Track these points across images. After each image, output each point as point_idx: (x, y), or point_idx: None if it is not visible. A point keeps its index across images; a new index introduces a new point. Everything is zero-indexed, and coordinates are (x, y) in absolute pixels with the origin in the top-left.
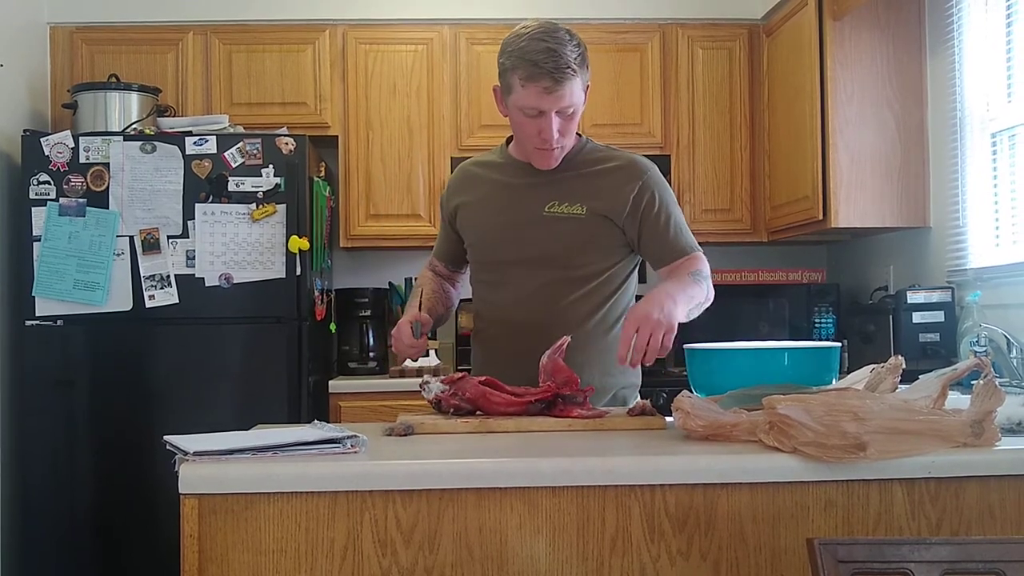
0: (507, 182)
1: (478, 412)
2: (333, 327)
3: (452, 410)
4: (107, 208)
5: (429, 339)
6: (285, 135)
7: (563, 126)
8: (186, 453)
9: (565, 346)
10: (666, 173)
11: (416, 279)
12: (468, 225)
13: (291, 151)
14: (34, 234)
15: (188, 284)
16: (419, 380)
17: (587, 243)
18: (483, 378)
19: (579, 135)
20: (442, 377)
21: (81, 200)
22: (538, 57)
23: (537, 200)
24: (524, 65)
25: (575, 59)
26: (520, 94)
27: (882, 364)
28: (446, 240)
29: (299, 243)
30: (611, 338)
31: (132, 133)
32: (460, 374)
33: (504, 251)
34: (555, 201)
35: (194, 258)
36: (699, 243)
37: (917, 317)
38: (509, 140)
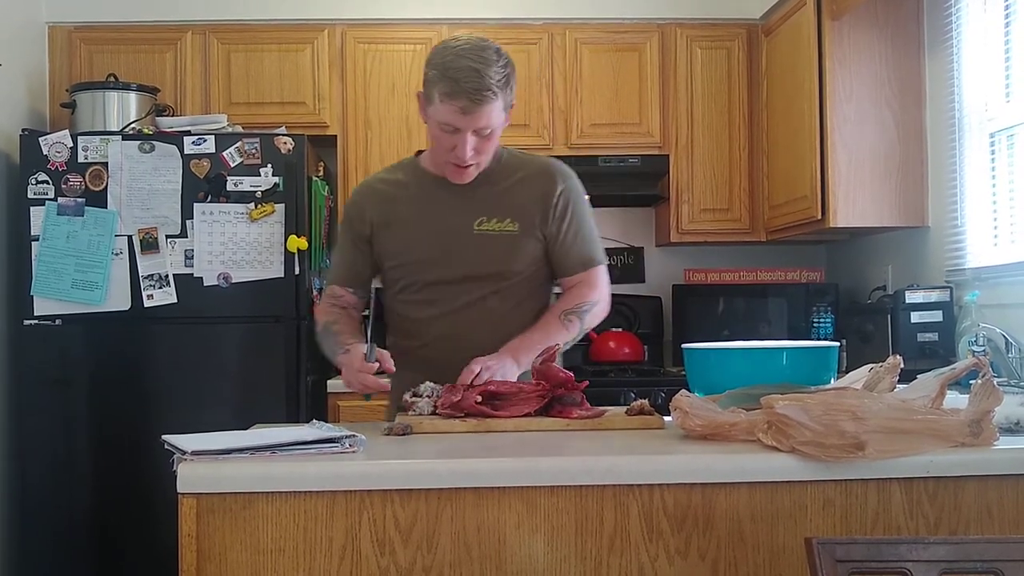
0: (427, 197)
1: None
2: None
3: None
4: (105, 208)
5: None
6: (284, 135)
7: (479, 145)
8: (184, 452)
9: (556, 352)
10: (665, 173)
11: (323, 320)
12: (391, 247)
13: (290, 151)
14: (32, 233)
15: (186, 283)
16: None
17: (519, 258)
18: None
19: None
20: (430, 392)
21: (79, 199)
22: (460, 75)
23: (465, 216)
24: (445, 81)
25: (498, 81)
26: (438, 108)
27: (880, 364)
28: (355, 263)
29: (298, 243)
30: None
31: (130, 133)
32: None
33: (434, 271)
34: (483, 217)
35: (192, 258)
36: (698, 243)
37: (915, 317)
38: (419, 153)
